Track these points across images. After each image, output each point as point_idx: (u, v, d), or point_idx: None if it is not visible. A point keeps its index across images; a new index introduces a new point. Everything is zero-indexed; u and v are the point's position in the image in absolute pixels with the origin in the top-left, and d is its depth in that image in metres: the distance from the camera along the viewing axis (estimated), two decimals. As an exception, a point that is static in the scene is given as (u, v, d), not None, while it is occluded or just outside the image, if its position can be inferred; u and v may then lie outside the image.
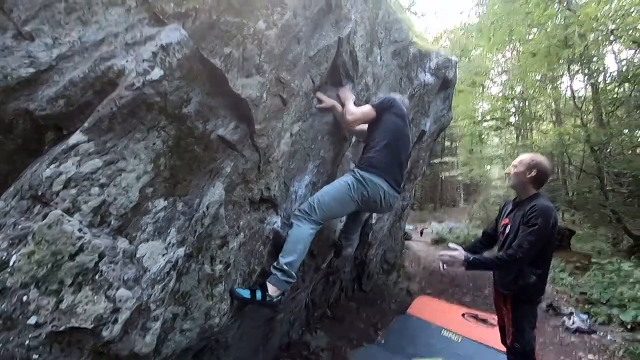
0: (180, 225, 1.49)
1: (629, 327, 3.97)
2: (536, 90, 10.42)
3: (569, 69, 8.20)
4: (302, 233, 1.92)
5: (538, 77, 9.37)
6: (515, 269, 2.03)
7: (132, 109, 1.48)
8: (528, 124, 12.42)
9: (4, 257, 1.13)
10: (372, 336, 3.47)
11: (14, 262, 1.12)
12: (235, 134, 1.74)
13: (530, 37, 7.81)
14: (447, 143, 20.06)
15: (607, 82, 8.74)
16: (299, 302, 3.01)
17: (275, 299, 1.76)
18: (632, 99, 7.87)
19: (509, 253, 1.91)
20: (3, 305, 1.09)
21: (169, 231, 1.45)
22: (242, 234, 1.74)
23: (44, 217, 1.20)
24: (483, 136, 13.72)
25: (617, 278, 4.97)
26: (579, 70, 8.38)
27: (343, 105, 2.43)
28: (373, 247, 4.34)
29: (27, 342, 1.10)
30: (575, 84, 10.51)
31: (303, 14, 2.04)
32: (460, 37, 11.27)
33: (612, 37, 6.81)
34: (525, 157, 2.14)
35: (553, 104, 11.32)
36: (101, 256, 1.23)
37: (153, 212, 1.44)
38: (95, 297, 1.17)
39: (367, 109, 2.34)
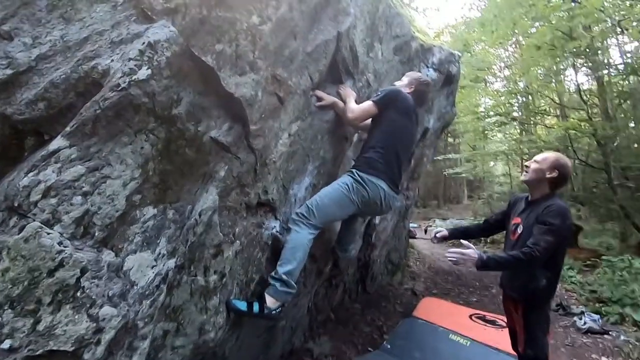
0: (170, 234, 1.39)
1: (642, 326, 3.86)
2: (540, 84, 10.25)
3: (574, 62, 8.04)
4: (300, 239, 1.82)
5: (541, 71, 9.21)
6: (528, 270, 1.92)
7: (118, 111, 1.39)
8: (532, 118, 12.25)
9: (-25, 275, 1.04)
10: (378, 340, 3.38)
11: (-14, 281, 1.04)
12: (229, 136, 1.64)
13: (534, 30, 7.65)
14: (450, 139, 19.89)
15: (613, 74, 8.57)
16: (301, 308, 2.91)
17: (274, 311, 1.67)
18: (639, 92, 7.71)
19: (525, 251, 1.79)
20: (-26, 329, 1.01)
21: (158, 241, 1.36)
22: (238, 241, 1.65)
23: (21, 230, 1.11)
24: (486, 132, 13.53)
25: (629, 275, 4.83)
26: (584, 63, 8.21)
27: (344, 102, 2.33)
28: (377, 248, 4.24)
29: (1, 368, 1.02)
30: (580, 77, 10.32)
31: (299, 7, 1.94)
32: (462, 31, 11.11)
33: (618, 29, 6.66)
34: (550, 155, 2.02)
35: (557, 98, 11.15)
36: (83, 271, 1.14)
37: (141, 221, 1.35)
38: (77, 317, 1.08)
39: (368, 105, 2.23)
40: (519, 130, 13.25)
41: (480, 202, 15.18)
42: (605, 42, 8.07)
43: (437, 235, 2.43)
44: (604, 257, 5.72)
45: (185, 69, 1.61)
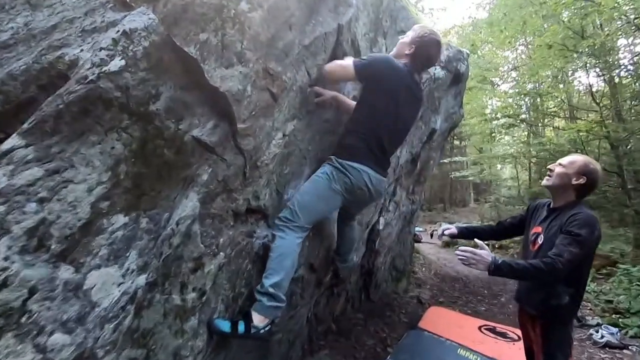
0: (142, 246, 1.23)
1: (664, 341, 3.62)
2: (550, 85, 10.00)
3: (585, 62, 7.80)
4: (287, 245, 1.63)
5: (549, 72, 8.96)
6: (546, 283, 1.73)
7: (85, 106, 1.23)
8: (541, 120, 11.96)
9: None
10: (381, 354, 3.19)
11: None
12: (214, 135, 1.47)
13: (545, 29, 7.42)
14: (456, 142, 19.62)
15: (626, 75, 8.30)
16: (300, 319, 2.73)
17: (262, 330, 1.49)
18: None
19: (547, 262, 1.58)
20: None
21: (127, 254, 1.19)
22: (222, 253, 1.48)
23: (-41, 242, 0.95)
24: (494, 134, 13.26)
25: (647, 285, 4.59)
26: (596, 63, 7.96)
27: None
28: (381, 254, 4.05)
29: None
30: (591, 78, 10.05)
31: (295, -5, 1.78)
32: (469, 32, 10.89)
33: (633, 28, 6.41)
34: (578, 158, 1.79)
35: (567, 99, 10.88)
36: (32, 291, 0.97)
37: (109, 232, 1.18)
38: (20, 347, 0.91)
39: (347, 64, 1.91)
40: (527, 133, 12.97)
41: (487, 206, 14.89)
42: (617, 41, 7.81)
43: (445, 232, 2.23)
44: (620, 265, 5.46)
45: (167, 61, 1.44)
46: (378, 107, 1.88)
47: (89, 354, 1.01)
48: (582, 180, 1.72)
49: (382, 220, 3.71)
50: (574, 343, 3.82)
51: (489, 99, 12.64)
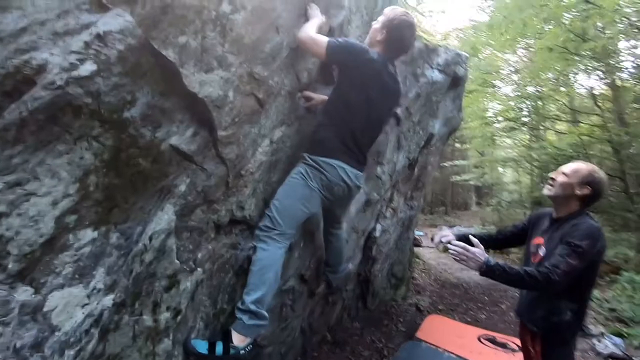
0: (111, 263, 1.14)
1: (670, 351, 3.51)
2: (551, 88, 9.90)
3: (586, 65, 7.71)
4: (269, 257, 1.54)
5: (551, 75, 8.87)
6: (548, 297, 1.64)
7: (53, 113, 1.15)
8: (543, 124, 11.85)
9: None
10: (377, 366, 3.09)
11: None
12: (193, 143, 1.39)
13: (545, 32, 7.34)
14: (457, 145, 19.53)
15: (628, 78, 8.20)
16: (292, 330, 2.64)
17: (242, 351, 1.40)
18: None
19: (542, 271, 1.50)
20: None
21: (94, 272, 1.11)
22: (200, 269, 1.39)
23: None
24: (495, 138, 13.15)
25: (652, 293, 4.48)
26: (598, 66, 7.86)
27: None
28: (378, 262, 3.96)
29: None
30: (593, 81, 9.95)
31: (283, -3, 1.70)
32: (470, 35, 10.82)
33: (635, 30, 6.33)
34: (582, 167, 1.69)
35: (568, 102, 10.77)
36: (-18, 316, 0.89)
37: (74, 248, 1.10)
38: (-36, 379, 0.83)
39: (321, 40, 1.73)
40: (529, 136, 12.86)
41: (489, 209, 14.77)
42: (618, 44, 7.72)
43: (443, 240, 2.13)
44: (624, 273, 5.34)
45: (145, 65, 1.37)
46: (351, 100, 1.78)
47: (44, 385, 0.92)
48: (586, 191, 1.62)
49: (378, 226, 3.63)
50: (577, 354, 3.72)
51: (490, 102, 12.54)
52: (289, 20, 1.79)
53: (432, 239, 2.65)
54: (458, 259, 1.55)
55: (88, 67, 1.21)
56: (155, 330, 1.21)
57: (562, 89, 10.18)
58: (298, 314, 2.42)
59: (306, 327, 3.05)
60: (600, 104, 8.06)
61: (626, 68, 7.96)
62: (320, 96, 2.04)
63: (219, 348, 1.36)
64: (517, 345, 3.10)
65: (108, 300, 1.09)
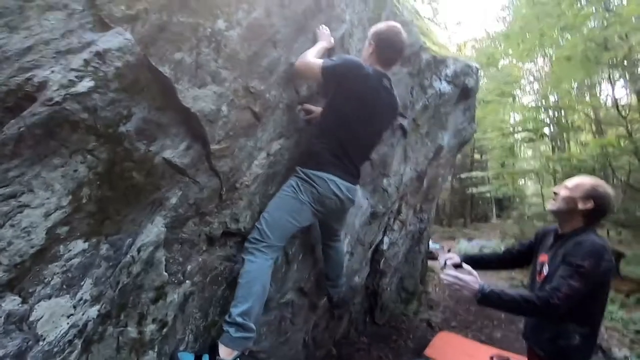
0: (99, 274, 1.17)
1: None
2: (573, 98, 9.61)
3: (609, 74, 7.45)
4: (256, 269, 1.53)
5: (574, 85, 8.61)
6: (553, 320, 1.56)
7: (50, 128, 1.20)
8: (565, 135, 11.49)
9: None
10: (383, 384, 3.00)
11: None
12: (185, 157, 1.42)
13: (564, 41, 7.17)
14: (476, 156, 19.15)
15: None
16: (294, 344, 2.61)
17: (228, 364, 1.39)
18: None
19: (541, 296, 1.44)
20: None
21: (82, 283, 1.13)
22: (188, 281, 1.40)
23: None
24: (515, 149, 12.82)
25: (682, 315, 4.19)
26: (621, 75, 7.60)
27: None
28: (387, 275, 3.89)
29: None
30: (618, 91, 9.61)
31: (280, 13, 1.74)
32: (486, 45, 10.70)
33: (660, 38, 6.08)
34: (585, 181, 1.63)
35: (592, 113, 10.41)
36: (-32, 325, 0.92)
37: (64, 259, 1.13)
38: (-54, 386, 0.85)
39: (316, 65, 1.76)
40: (551, 147, 12.48)
41: (510, 222, 14.32)
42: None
43: (447, 262, 2.07)
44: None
45: (142, 81, 1.42)
46: (345, 113, 1.78)
47: (25, 394, 0.94)
48: (589, 205, 1.55)
49: (386, 239, 3.57)
50: (599, 378, 3.51)
51: (509, 112, 12.29)
52: (287, 36, 1.82)
53: (449, 251, 2.57)
54: (452, 288, 1.50)
55: (86, 84, 1.27)
56: (140, 342, 1.22)
57: (586, 99, 9.88)
58: (299, 327, 2.39)
59: (310, 341, 3.01)
60: (625, 114, 7.74)
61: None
62: (320, 109, 2.05)
63: (205, 360, 1.36)
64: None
65: (93, 311, 1.11)
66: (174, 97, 1.41)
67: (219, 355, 1.38)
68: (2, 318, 0.98)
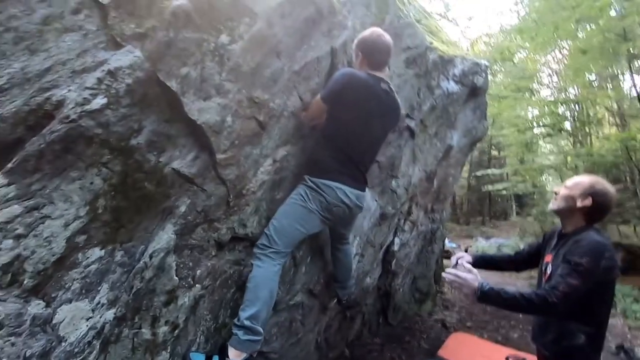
0: (115, 279, 1.25)
1: None
2: (593, 91, 9.31)
3: (630, 65, 7.20)
4: (263, 274, 1.59)
5: (593, 77, 8.35)
6: (556, 319, 1.56)
7: (67, 144, 1.29)
8: (586, 129, 11.14)
9: None
10: (395, 384, 3.01)
11: None
12: (193, 166, 1.49)
13: (580, 33, 6.97)
14: (494, 152, 18.77)
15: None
16: (306, 345, 2.66)
17: (236, 365, 1.45)
18: None
19: (539, 294, 1.44)
20: None
21: (99, 288, 1.22)
22: (198, 285, 1.47)
23: None
24: (533, 144, 12.51)
25: None
26: (642, 66, 7.34)
27: None
28: (399, 276, 3.89)
29: None
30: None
31: (282, 23, 1.79)
32: (500, 40, 10.49)
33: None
34: (584, 179, 1.63)
35: (615, 105, 10.07)
36: (-2, 327, 1.01)
37: (83, 265, 1.22)
38: (-21, 383, 0.94)
39: (315, 102, 1.91)
40: (571, 142, 12.12)
41: (529, 219, 13.97)
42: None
43: (459, 262, 2.07)
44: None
45: (151, 96, 1.50)
46: (346, 120, 1.84)
47: (48, 391, 1.03)
48: (587, 202, 1.54)
49: (397, 240, 3.58)
50: (621, 379, 3.42)
51: (526, 107, 12.01)
52: (290, 45, 1.88)
53: (465, 251, 2.56)
54: (453, 286, 1.52)
55: (99, 101, 1.35)
56: (153, 343, 1.30)
57: (609, 91, 9.56)
58: (309, 328, 2.44)
59: (322, 342, 3.06)
60: (647, 106, 7.47)
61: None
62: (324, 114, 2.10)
63: (215, 361, 1.43)
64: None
65: (110, 314, 1.19)
66: (181, 109, 1.49)
67: (228, 356, 1.44)
68: (28, 321, 1.07)
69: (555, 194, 1.69)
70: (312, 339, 2.74)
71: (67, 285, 1.17)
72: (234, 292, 1.69)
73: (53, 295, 1.14)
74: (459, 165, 4.29)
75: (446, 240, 7.24)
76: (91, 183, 1.31)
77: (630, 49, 5.81)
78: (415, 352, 3.66)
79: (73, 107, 1.32)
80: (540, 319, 1.73)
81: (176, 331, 1.37)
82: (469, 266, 1.57)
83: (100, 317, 1.17)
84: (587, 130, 11.25)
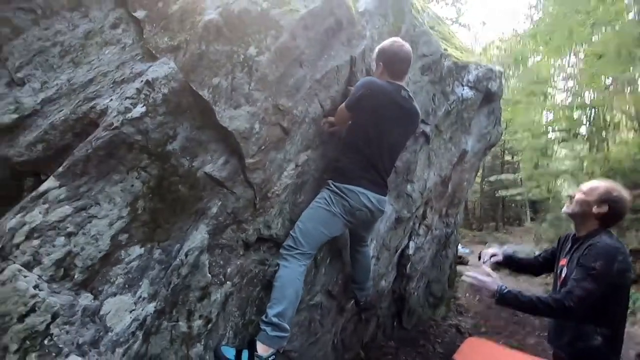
0: (154, 275, 1.34)
1: None
2: (609, 95, 9.17)
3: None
4: (289, 274, 1.67)
5: (609, 81, 8.24)
6: (568, 323, 1.60)
7: (110, 150, 1.40)
8: (602, 133, 10.94)
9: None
10: (411, 387, 3.04)
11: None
12: (224, 170, 1.59)
13: (595, 37, 6.91)
14: (507, 157, 18.54)
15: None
16: (323, 346, 2.72)
17: (265, 360, 1.53)
18: None
19: (556, 298, 1.48)
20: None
21: (140, 283, 1.31)
22: (229, 282, 1.56)
23: (0, 272, 1.12)
24: (547, 149, 12.33)
25: None
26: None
27: None
28: (413, 279, 3.92)
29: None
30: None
31: (304, 35, 1.88)
32: (513, 45, 10.44)
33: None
34: (599, 185, 1.66)
35: (633, 109, 9.88)
36: (55, 317, 1.11)
37: (125, 262, 1.32)
38: (41, 366, 1.04)
39: (340, 110, 2.01)
40: (588, 147, 11.91)
41: (545, 225, 13.72)
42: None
43: (492, 259, 2.07)
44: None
45: (184, 104, 1.60)
46: (367, 127, 1.92)
47: (99, 376, 1.12)
48: (603, 209, 1.58)
49: (412, 244, 3.62)
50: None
51: (540, 112, 11.87)
52: (312, 55, 1.97)
53: (479, 258, 2.60)
54: (472, 288, 1.58)
55: (139, 109, 1.46)
56: (189, 336, 1.38)
57: (627, 95, 9.39)
58: (327, 329, 2.51)
59: (339, 344, 3.11)
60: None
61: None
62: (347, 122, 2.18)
63: (245, 356, 1.50)
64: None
65: (151, 307, 1.28)
66: (213, 117, 1.59)
67: (257, 351, 1.52)
68: (80, 312, 1.16)
69: (571, 197, 1.72)
70: (330, 339, 2.80)
71: (112, 280, 1.27)
72: (259, 291, 1.77)
73: (100, 289, 1.24)
74: (473, 170, 4.32)
75: (459, 246, 7.20)
76: (132, 186, 1.41)
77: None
78: (430, 356, 3.68)
79: (116, 116, 1.42)
80: (556, 321, 1.76)
81: (209, 325, 1.46)
82: (489, 269, 1.62)
83: (142, 309, 1.26)
84: (604, 135, 11.05)
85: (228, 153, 1.62)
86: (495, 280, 1.54)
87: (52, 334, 1.09)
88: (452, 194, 3.95)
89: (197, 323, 1.41)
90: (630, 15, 6.46)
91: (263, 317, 1.61)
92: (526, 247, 11.22)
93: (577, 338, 1.57)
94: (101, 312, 1.21)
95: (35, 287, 1.12)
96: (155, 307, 1.29)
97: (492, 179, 12.48)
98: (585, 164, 9.00)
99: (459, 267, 6.82)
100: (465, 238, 14.47)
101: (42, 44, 1.60)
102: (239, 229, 1.65)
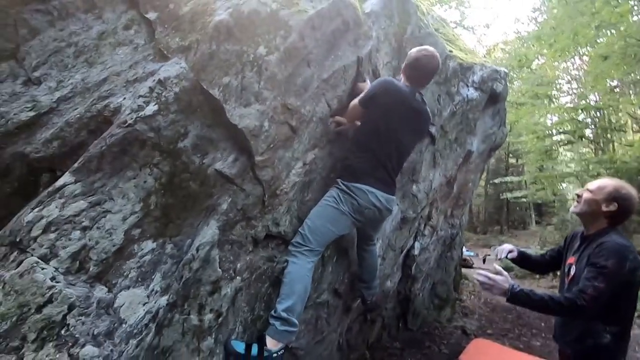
0: (166, 270, 1.37)
1: None
2: (614, 97, 9.16)
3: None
4: (298, 270, 1.70)
5: (614, 83, 8.23)
6: (576, 320, 1.60)
7: (124, 147, 1.43)
8: (608, 135, 10.92)
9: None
10: (416, 387, 3.04)
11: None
12: (234, 167, 1.62)
13: (600, 39, 6.91)
14: (512, 160, 18.48)
15: None
16: (329, 345, 2.73)
17: (275, 354, 1.54)
18: None
19: (569, 297, 1.48)
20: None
21: (153, 277, 1.34)
22: (239, 277, 1.58)
23: (18, 264, 1.15)
24: (552, 152, 12.30)
25: None
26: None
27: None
28: (418, 280, 3.92)
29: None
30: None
31: (312, 35, 1.92)
32: (517, 47, 10.45)
33: None
34: (608, 183, 1.66)
35: (638, 111, 9.86)
36: (71, 308, 1.14)
37: (138, 256, 1.34)
38: (58, 356, 1.07)
39: (353, 105, 2.08)
40: (592, 149, 11.87)
41: (550, 228, 13.64)
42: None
43: (509, 256, 2.06)
44: None
45: (195, 103, 1.63)
46: (378, 126, 1.95)
47: (113, 366, 1.14)
48: (612, 208, 1.58)
49: (417, 245, 3.62)
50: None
51: (545, 114, 11.86)
52: (319, 55, 2.00)
53: (484, 261, 2.58)
54: (483, 286, 1.59)
55: (151, 108, 1.49)
56: (200, 329, 1.40)
57: (631, 97, 9.37)
58: (333, 328, 2.52)
59: (344, 344, 3.12)
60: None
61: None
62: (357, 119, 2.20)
63: (254, 350, 1.52)
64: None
65: (163, 300, 1.30)
66: (223, 115, 1.61)
67: (266, 345, 1.54)
68: (95, 303, 1.19)
69: (578, 196, 1.73)
70: (335, 339, 2.81)
71: (125, 273, 1.30)
72: (267, 287, 1.79)
73: (114, 281, 1.27)
74: (478, 171, 4.33)
75: (464, 249, 7.18)
76: (144, 182, 1.44)
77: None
78: (435, 357, 3.68)
79: (129, 113, 1.46)
80: (563, 318, 1.76)
81: (220, 319, 1.48)
82: (500, 268, 1.63)
83: (155, 302, 1.29)
84: (609, 136, 11.02)
85: (238, 151, 1.65)
86: (507, 279, 1.55)
87: (69, 324, 1.11)
88: (457, 194, 3.95)
89: (208, 317, 1.43)
90: (635, 17, 6.46)
91: (272, 312, 1.63)
92: (532, 251, 11.15)
93: (585, 335, 1.58)
94: (115, 305, 1.23)
95: (52, 279, 1.15)
96: (167, 300, 1.32)
97: (496, 181, 12.41)
98: (590, 166, 8.95)
99: (464, 270, 6.80)
100: (470, 241, 14.42)
101: (58, 45, 1.64)
102: (248, 225, 1.67)
